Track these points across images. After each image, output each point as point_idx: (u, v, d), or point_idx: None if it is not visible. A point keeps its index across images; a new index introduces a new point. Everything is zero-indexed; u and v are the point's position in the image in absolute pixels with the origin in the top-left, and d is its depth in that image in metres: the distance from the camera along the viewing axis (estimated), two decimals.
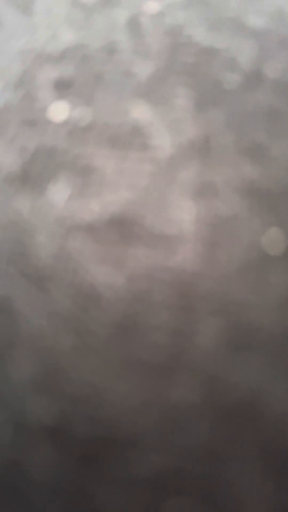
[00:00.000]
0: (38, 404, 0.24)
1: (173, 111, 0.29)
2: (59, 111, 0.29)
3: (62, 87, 0.30)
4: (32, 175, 0.28)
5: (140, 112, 0.29)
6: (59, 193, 0.28)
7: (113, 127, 0.29)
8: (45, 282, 0.26)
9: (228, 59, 0.31)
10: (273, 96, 0.30)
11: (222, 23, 0.31)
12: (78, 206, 0.27)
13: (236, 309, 0.25)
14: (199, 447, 0.23)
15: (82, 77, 0.30)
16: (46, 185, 0.28)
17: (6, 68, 0.30)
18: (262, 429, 0.23)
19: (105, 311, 0.25)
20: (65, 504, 0.22)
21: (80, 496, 0.22)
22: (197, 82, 0.30)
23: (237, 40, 0.31)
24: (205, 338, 0.25)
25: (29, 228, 0.27)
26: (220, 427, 0.23)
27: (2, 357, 0.24)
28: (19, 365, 0.24)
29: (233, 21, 0.31)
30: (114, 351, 0.24)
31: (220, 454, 0.23)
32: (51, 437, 0.23)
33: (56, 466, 0.23)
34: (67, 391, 0.24)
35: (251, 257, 0.26)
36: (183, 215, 0.27)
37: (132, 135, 0.29)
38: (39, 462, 0.23)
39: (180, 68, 0.30)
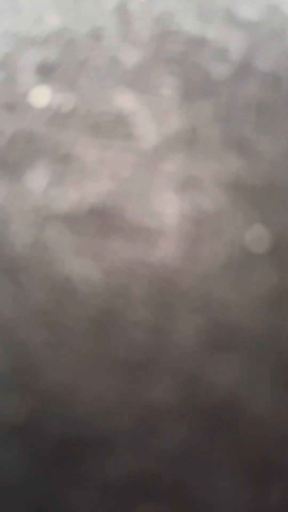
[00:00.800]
0: (6, 401, 0.22)
1: (159, 100, 0.28)
2: (41, 96, 0.28)
3: (45, 72, 0.29)
4: (9, 161, 0.27)
5: (125, 101, 0.28)
6: (37, 180, 0.26)
7: (96, 114, 0.28)
8: (18, 274, 0.25)
9: (218, 50, 0.30)
10: (262, 89, 0.29)
11: (213, 13, 0.30)
12: (56, 195, 0.26)
13: (217, 307, 0.24)
14: (175, 450, 0.22)
15: (66, 62, 0.29)
16: (23, 172, 0.27)
17: None
18: (240, 433, 0.22)
19: (80, 306, 0.24)
20: (32, 508, 0.21)
21: (49, 498, 0.21)
22: (185, 72, 0.29)
23: (228, 30, 0.30)
24: (184, 337, 0.24)
25: (3, 216, 0.26)
26: (197, 430, 0.22)
27: None
28: None
29: (224, 11, 0.30)
30: (89, 348, 0.23)
31: (196, 458, 0.22)
32: (20, 437, 0.22)
33: (24, 467, 0.22)
34: (38, 389, 0.23)
35: (234, 254, 0.25)
36: (166, 208, 0.26)
37: (116, 123, 0.28)
38: (6, 462, 0.22)
39: (168, 56, 0.29)
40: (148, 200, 0.26)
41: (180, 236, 0.26)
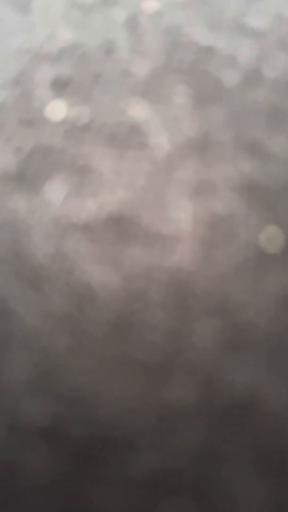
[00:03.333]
0: (32, 405, 0.23)
1: (171, 109, 0.29)
2: (56, 110, 0.29)
3: (60, 86, 0.30)
4: (28, 175, 0.28)
5: (138, 111, 0.29)
6: (55, 192, 0.27)
7: (111, 126, 0.29)
8: (41, 282, 0.26)
9: (227, 58, 0.31)
10: (272, 94, 0.30)
11: (222, 23, 0.31)
12: (74, 206, 0.27)
13: (233, 308, 0.25)
14: (195, 447, 0.23)
15: (79, 76, 0.30)
16: (42, 185, 0.28)
17: (3, 66, 0.30)
18: (258, 429, 0.23)
19: (100, 311, 0.25)
20: (59, 506, 0.22)
21: (75, 497, 0.22)
22: (196, 80, 0.30)
23: (236, 39, 0.31)
24: (201, 338, 0.24)
25: (25, 228, 0.27)
26: (216, 427, 0.23)
27: None
28: (14, 365, 0.24)
29: (232, 21, 0.31)
30: (110, 351, 0.24)
31: (215, 454, 0.23)
32: (46, 438, 0.23)
33: (50, 468, 0.23)
34: (62, 392, 0.24)
35: (248, 255, 0.26)
36: (180, 214, 0.27)
37: (130, 134, 0.29)
38: (33, 463, 0.23)
39: (178, 66, 0.30)
40: (163, 207, 0.27)
41: (195, 241, 0.26)
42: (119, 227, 0.27)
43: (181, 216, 0.27)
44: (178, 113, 0.29)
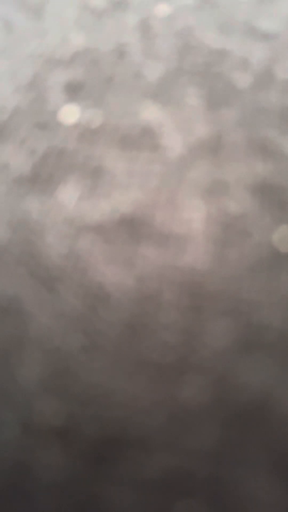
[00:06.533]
0: (46, 404, 0.23)
1: (184, 111, 0.29)
2: (70, 113, 0.30)
3: (73, 90, 0.30)
4: (42, 177, 0.28)
5: (151, 113, 0.29)
6: (69, 194, 0.28)
7: (124, 128, 0.29)
8: (54, 283, 0.26)
9: (239, 60, 0.31)
10: (284, 96, 0.30)
11: (233, 26, 0.31)
12: (88, 207, 0.27)
13: (246, 308, 0.25)
14: (208, 448, 0.23)
15: (92, 80, 0.30)
16: (56, 187, 0.28)
17: (16, 71, 0.30)
18: (272, 430, 0.22)
19: (114, 311, 0.25)
20: (73, 505, 0.22)
21: (88, 497, 0.22)
22: (208, 82, 0.30)
23: (248, 42, 0.31)
24: (215, 338, 0.24)
25: (38, 229, 0.27)
26: (229, 428, 0.23)
27: (10, 357, 0.24)
28: (28, 365, 0.24)
29: (244, 24, 0.31)
30: (123, 351, 0.24)
31: (229, 455, 0.22)
32: (59, 438, 0.23)
33: (64, 467, 0.23)
34: (76, 392, 0.24)
35: (262, 255, 0.26)
36: (193, 214, 0.27)
37: (143, 136, 0.29)
38: (47, 463, 0.23)
39: (190, 68, 0.30)
40: (176, 207, 0.27)
41: (208, 241, 0.26)
42: (132, 228, 0.27)
43: (194, 216, 0.27)
44: (190, 115, 0.29)
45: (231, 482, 0.22)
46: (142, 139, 0.29)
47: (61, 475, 0.22)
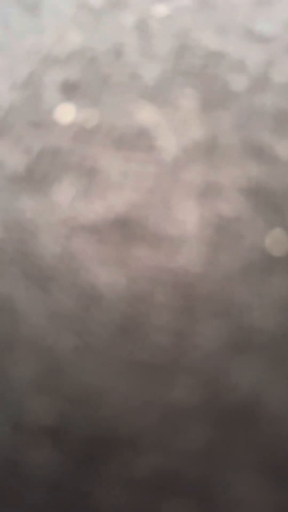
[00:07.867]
0: (37, 404, 0.24)
1: (179, 112, 0.29)
2: (65, 112, 0.30)
3: (69, 89, 0.30)
4: (36, 176, 0.28)
5: (146, 114, 0.29)
6: (63, 193, 0.28)
7: (119, 129, 0.29)
8: (48, 282, 0.26)
9: (235, 62, 0.31)
10: (280, 99, 0.30)
11: (230, 28, 0.31)
12: (82, 207, 0.27)
13: (238, 310, 0.25)
14: (198, 449, 0.23)
15: (88, 79, 0.30)
16: (50, 186, 0.28)
17: (13, 69, 0.30)
18: (261, 431, 0.23)
19: (106, 312, 0.25)
20: (63, 504, 0.22)
21: (78, 496, 0.22)
22: (204, 84, 0.30)
23: (245, 44, 0.31)
24: (206, 340, 0.25)
25: (32, 228, 0.27)
26: (219, 429, 0.23)
27: (2, 356, 0.24)
28: (20, 364, 0.24)
29: (241, 26, 0.31)
30: (115, 352, 0.24)
31: (218, 456, 0.23)
32: (50, 437, 0.23)
33: (54, 466, 0.23)
34: (67, 391, 0.24)
35: (254, 258, 0.26)
36: (187, 216, 0.27)
37: (138, 137, 0.29)
38: (37, 462, 0.23)
39: (187, 70, 0.30)
40: (170, 208, 0.27)
41: (201, 243, 0.26)
42: (126, 229, 0.27)
43: (188, 218, 0.27)
44: (186, 117, 0.29)
45: (220, 482, 0.22)
46: (137, 140, 0.29)
47: (52, 474, 0.23)
